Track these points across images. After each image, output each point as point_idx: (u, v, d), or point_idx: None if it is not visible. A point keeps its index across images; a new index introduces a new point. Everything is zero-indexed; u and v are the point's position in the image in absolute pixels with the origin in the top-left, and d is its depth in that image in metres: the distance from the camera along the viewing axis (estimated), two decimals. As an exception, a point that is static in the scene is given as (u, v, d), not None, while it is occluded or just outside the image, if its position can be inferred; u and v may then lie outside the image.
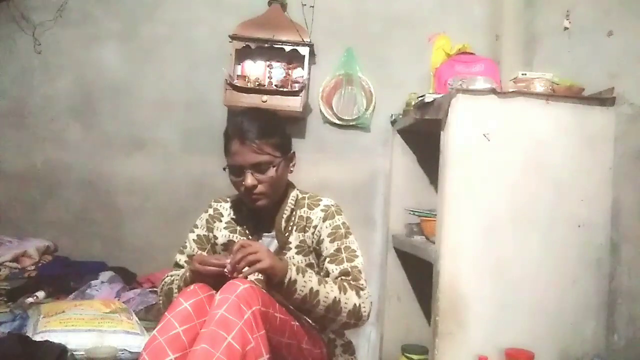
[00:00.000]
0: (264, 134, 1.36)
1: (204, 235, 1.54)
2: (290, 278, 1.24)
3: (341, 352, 1.50)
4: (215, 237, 1.51)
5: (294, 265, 1.28)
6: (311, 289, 1.26)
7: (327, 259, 1.40)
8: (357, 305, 1.32)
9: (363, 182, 2.64)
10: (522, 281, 1.68)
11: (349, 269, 1.37)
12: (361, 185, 2.64)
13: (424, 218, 2.06)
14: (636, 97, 1.64)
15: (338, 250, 1.41)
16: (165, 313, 1.20)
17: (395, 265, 2.42)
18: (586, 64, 1.90)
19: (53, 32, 2.62)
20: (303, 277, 1.26)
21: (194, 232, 1.55)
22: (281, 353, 1.27)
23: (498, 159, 1.70)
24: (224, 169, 1.42)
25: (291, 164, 1.49)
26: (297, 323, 1.32)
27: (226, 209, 1.54)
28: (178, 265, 1.53)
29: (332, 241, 1.42)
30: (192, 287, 1.24)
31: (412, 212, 2.22)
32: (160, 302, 1.52)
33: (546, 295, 1.69)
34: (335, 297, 1.28)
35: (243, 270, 1.21)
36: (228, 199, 1.56)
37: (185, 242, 1.55)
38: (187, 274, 1.36)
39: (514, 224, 1.69)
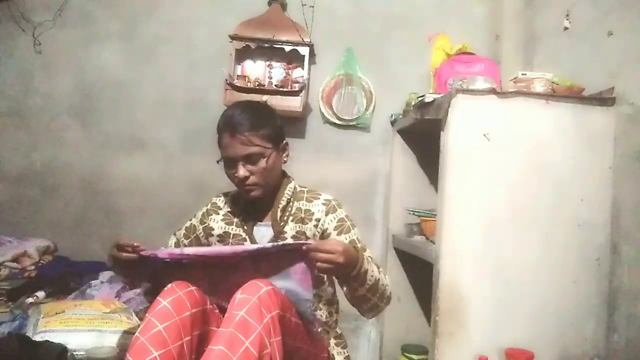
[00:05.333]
0: (253, 126, 1.40)
1: (193, 225, 1.59)
2: (364, 270, 1.28)
3: (334, 344, 1.51)
4: (212, 229, 1.54)
5: (363, 255, 1.31)
6: (375, 278, 1.32)
7: None
8: (390, 291, 1.41)
9: (363, 182, 2.64)
10: (522, 281, 1.68)
11: (369, 258, 1.41)
12: (361, 185, 2.64)
13: (424, 218, 2.06)
14: (636, 97, 1.64)
15: (352, 242, 1.43)
16: (146, 314, 1.21)
17: (395, 265, 2.42)
18: (586, 64, 1.90)
19: (53, 32, 2.63)
20: (370, 265, 1.32)
21: (190, 220, 1.61)
22: (292, 357, 1.26)
23: (498, 159, 1.70)
24: (218, 161, 1.46)
25: (284, 155, 1.51)
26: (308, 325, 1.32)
27: (224, 202, 1.59)
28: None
29: (340, 234, 1.45)
30: (169, 285, 1.24)
31: (412, 212, 2.22)
32: None
33: (546, 295, 1.69)
34: (385, 285, 1.37)
35: (317, 264, 1.21)
36: (228, 194, 1.61)
37: (181, 227, 1.63)
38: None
39: (514, 224, 1.69)
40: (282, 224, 1.47)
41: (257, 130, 1.40)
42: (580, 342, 1.69)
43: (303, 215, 1.48)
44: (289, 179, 1.54)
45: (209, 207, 1.60)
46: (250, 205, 1.52)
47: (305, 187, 1.55)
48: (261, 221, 1.51)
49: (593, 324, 1.69)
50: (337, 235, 1.45)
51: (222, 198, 1.61)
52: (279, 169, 1.50)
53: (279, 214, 1.48)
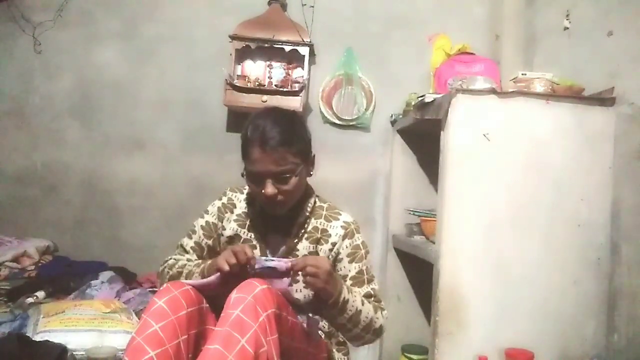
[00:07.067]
0: (286, 141, 1.30)
1: (213, 223, 1.49)
2: (344, 298, 1.27)
3: (335, 350, 1.50)
4: (224, 228, 1.48)
5: (344, 285, 1.30)
6: (357, 308, 1.30)
7: (350, 282, 1.40)
8: (381, 325, 1.38)
9: (363, 182, 2.64)
10: (522, 281, 1.68)
11: (371, 291, 1.41)
12: (361, 185, 2.64)
13: (424, 218, 2.06)
14: (636, 97, 1.64)
15: (360, 272, 1.41)
16: (142, 314, 1.20)
17: (395, 265, 2.42)
18: (586, 64, 1.90)
19: (53, 32, 2.63)
20: (353, 296, 1.30)
21: (203, 217, 1.50)
22: (289, 357, 1.25)
23: (498, 159, 1.70)
24: (242, 174, 1.36)
25: (312, 168, 1.43)
26: (304, 327, 1.32)
27: (240, 201, 1.50)
28: (183, 249, 1.50)
29: (351, 262, 1.42)
30: (164, 285, 1.23)
31: (412, 212, 2.22)
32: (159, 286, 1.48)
33: (546, 295, 1.69)
34: (371, 317, 1.34)
35: (297, 278, 1.21)
36: (244, 191, 1.52)
37: (194, 227, 1.51)
38: (206, 264, 1.34)
39: (514, 223, 1.69)
40: (295, 241, 1.43)
41: (291, 145, 1.31)
42: (580, 342, 1.69)
43: (319, 236, 1.43)
44: (311, 193, 1.47)
45: (225, 201, 1.50)
46: (267, 211, 1.43)
47: (325, 203, 1.49)
48: (275, 231, 1.45)
49: (593, 324, 1.69)
50: (348, 262, 1.42)
51: (237, 195, 1.51)
52: (305, 183, 1.43)
53: (294, 229, 1.43)
